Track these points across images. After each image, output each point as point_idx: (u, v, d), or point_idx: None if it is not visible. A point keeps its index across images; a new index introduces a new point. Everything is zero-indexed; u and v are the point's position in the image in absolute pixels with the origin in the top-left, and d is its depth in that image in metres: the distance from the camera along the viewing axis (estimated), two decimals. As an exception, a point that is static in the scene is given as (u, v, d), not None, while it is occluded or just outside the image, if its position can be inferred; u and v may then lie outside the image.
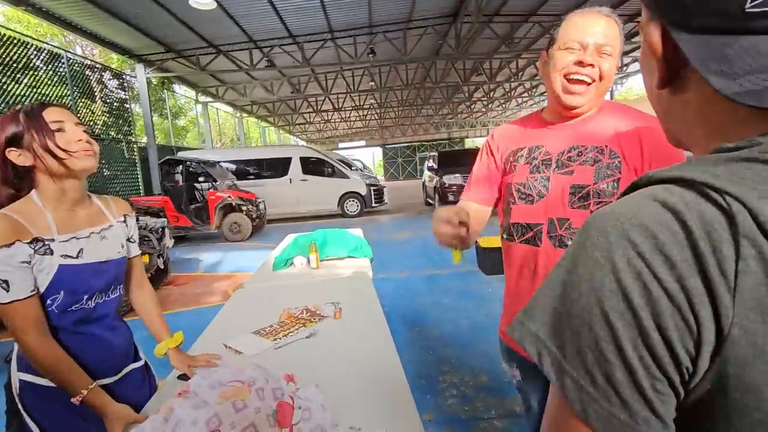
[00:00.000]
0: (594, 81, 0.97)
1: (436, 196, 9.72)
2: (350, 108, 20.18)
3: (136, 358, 1.23)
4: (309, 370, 1.19)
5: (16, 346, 1.01)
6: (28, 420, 1.00)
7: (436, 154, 11.18)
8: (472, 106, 22.80)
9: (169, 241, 4.89)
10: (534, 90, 17.94)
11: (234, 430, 0.86)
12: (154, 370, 1.31)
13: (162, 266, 4.81)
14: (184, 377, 1.19)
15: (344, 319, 1.59)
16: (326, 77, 14.20)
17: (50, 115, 0.98)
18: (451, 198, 9.11)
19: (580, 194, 0.99)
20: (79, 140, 1.00)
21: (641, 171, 0.96)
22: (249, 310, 1.80)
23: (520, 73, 14.51)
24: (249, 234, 8.47)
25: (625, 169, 0.97)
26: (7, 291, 0.91)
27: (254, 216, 8.54)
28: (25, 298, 0.93)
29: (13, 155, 0.95)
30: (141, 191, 9.95)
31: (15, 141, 0.96)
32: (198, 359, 1.26)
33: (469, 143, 30.44)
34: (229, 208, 8.44)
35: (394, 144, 31.46)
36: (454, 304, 3.82)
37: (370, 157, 35.61)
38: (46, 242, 0.95)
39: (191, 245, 8.35)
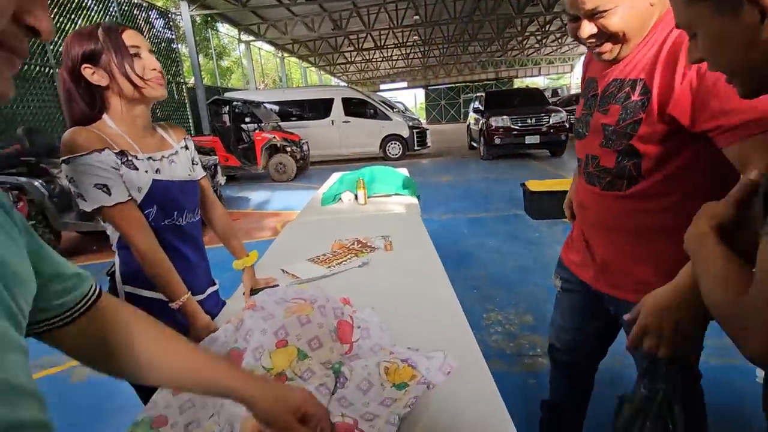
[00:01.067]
0: (608, 41, 0.91)
1: (481, 140, 9.35)
2: (393, 46, 19.24)
3: (214, 282, 1.31)
4: (363, 298, 1.22)
5: (117, 260, 1.08)
6: None
7: (483, 94, 10.59)
8: (524, 42, 21.07)
9: (221, 179, 5.08)
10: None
11: (300, 341, 0.91)
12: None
13: (215, 203, 5.05)
14: (255, 292, 1.26)
15: (395, 252, 1.61)
16: (368, 11, 13.48)
17: (129, 38, 0.97)
18: (497, 141, 8.73)
19: (607, 133, 0.97)
20: (154, 69, 1.00)
21: (670, 109, 0.83)
22: (301, 240, 1.86)
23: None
24: (294, 175, 8.65)
25: (651, 109, 0.87)
26: (109, 195, 0.95)
27: (298, 157, 8.66)
28: (126, 201, 0.97)
29: (88, 72, 0.95)
30: (192, 132, 10.29)
31: (92, 58, 0.95)
32: (259, 281, 1.34)
33: (518, 83, 28.51)
34: (274, 149, 8.58)
35: (438, 85, 30.04)
36: (498, 246, 3.78)
37: (411, 99, 34.48)
38: (130, 157, 0.99)
39: (240, 185, 8.68)
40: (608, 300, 1.09)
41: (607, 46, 0.92)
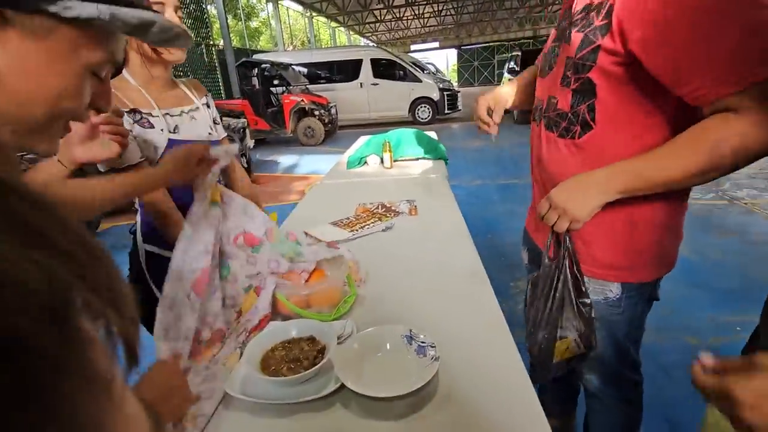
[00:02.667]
0: None
1: (517, 102, 8.92)
2: (424, 2, 18.34)
3: None
4: (385, 263, 1.20)
5: (139, 219, 1.10)
6: (152, 285, 1.11)
7: (518, 53, 10.00)
8: (568, -4, 19.53)
9: (250, 142, 5.11)
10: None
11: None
12: None
13: (245, 165, 5.12)
14: None
15: (420, 217, 1.57)
16: (400, -35, 12.78)
17: None
18: (533, 104, 8.30)
19: (567, 67, 0.85)
20: None
21: (628, 34, 0.72)
22: (325, 204, 1.84)
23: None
24: (322, 139, 8.62)
25: (611, 31, 0.74)
26: (120, 157, 0.93)
27: (326, 121, 8.58)
28: (137, 164, 0.97)
29: None
30: (222, 95, 10.33)
31: None
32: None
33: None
34: (302, 113, 8.53)
35: (471, 45, 28.64)
36: (529, 214, 3.66)
37: (443, 60, 33.17)
38: (145, 115, 0.98)
39: (269, 148, 8.74)
40: None
41: None
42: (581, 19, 0.82)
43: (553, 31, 0.99)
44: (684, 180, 0.74)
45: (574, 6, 0.87)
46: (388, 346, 0.79)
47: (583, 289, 0.89)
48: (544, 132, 0.96)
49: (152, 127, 0.98)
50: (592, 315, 0.90)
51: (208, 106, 1.17)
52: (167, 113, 1.02)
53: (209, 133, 1.13)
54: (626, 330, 0.99)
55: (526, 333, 1.00)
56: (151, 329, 0.75)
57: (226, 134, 1.24)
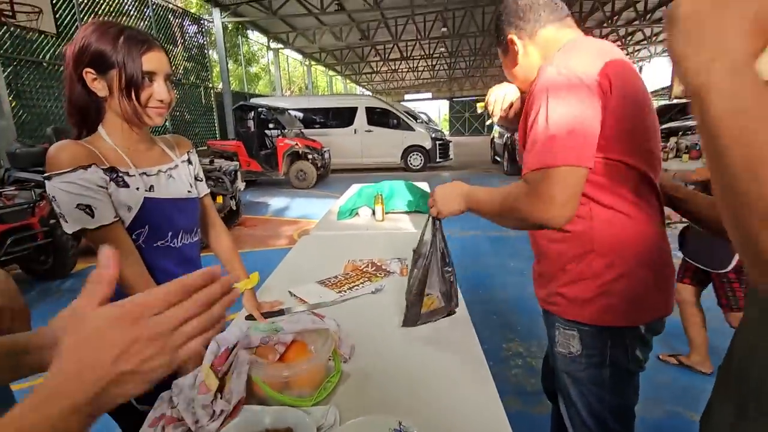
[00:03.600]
0: None
1: (505, 154, 9.15)
2: (419, 57, 19.29)
3: None
4: (375, 333, 1.11)
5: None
6: None
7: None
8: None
9: (241, 184, 5.08)
10: (629, 38, 15.83)
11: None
12: None
13: (234, 207, 5.05)
14: (251, 318, 1.18)
15: (412, 277, 1.49)
16: (396, 22, 13.54)
17: (149, 62, 0.88)
18: (522, 156, 8.52)
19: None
20: (161, 99, 0.92)
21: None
22: (313, 258, 1.77)
23: (614, 18, 12.78)
24: (314, 182, 8.65)
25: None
26: (92, 216, 0.86)
27: (319, 165, 8.66)
28: (111, 224, 0.89)
29: (89, 78, 0.87)
30: (217, 135, 10.44)
31: (100, 64, 0.86)
32: (263, 305, 1.24)
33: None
34: (296, 156, 8.61)
35: (463, 97, 29.90)
36: (521, 267, 3.61)
37: (435, 110, 34.42)
38: (121, 174, 0.91)
39: (260, 190, 8.72)
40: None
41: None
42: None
43: None
44: (493, 217, 0.97)
45: None
46: (374, 444, 0.70)
47: (447, 260, 1.12)
48: None
49: (127, 186, 0.92)
50: (452, 280, 1.14)
51: (190, 163, 1.12)
52: (144, 172, 0.96)
53: (188, 191, 1.07)
54: (598, 394, 0.95)
55: (405, 291, 1.15)
56: None
57: (208, 191, 1.18)
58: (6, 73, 5.32)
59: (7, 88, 5.29)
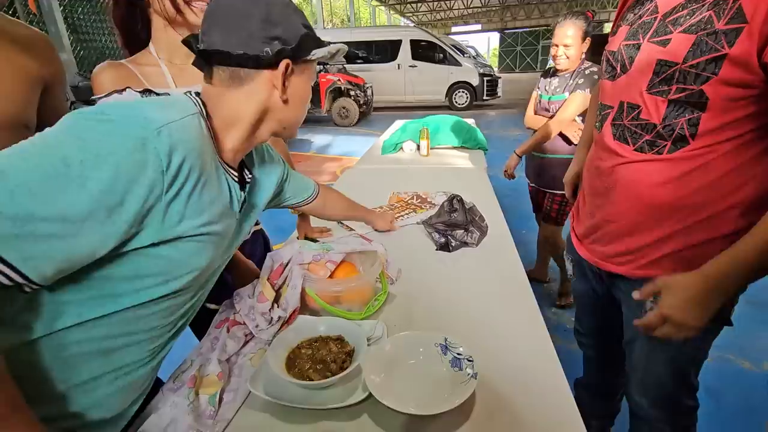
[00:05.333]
0: None
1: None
2: (470, -18, 17.64)
3: (257, 222, 1.29)
4: (420, 261, 1.13)
5: None
6: None
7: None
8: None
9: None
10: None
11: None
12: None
13: (278, 144, 5.12)
14: (309, 239, 1.24)
15: (457, 210, 1.49)
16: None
17: None
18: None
19: (664, 75, 0.72)
20: None
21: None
22: (359, 189, 1.78)
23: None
24: (356, 120, 8.54)
25: (745, 39, 0.62)
26: None
27: (361, 102, 8.49)
28: None
29: None
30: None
31: None
32: (314, 230, 1.29)
33: (608, 28, 25.24)
34: (338, 92, 8.46)
35: (515, 29, 27.45)
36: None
37: (484, 43, 32.08)
38: (162, 93, 0.93)
39: (303, 127, 8.70)
40: (611, 279, 0.95)
41: None
42: (686, 16, 0.70)
43: (623, 27, 0.85)
44: None
45: None
46: (421, 354, 0.74)
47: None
48: (612, 142, 0.85)
49: None
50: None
51: None
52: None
53: None
54: (693, 354, 0.90)
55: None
56: None
57: None
58: (62, 8, 5.43)
59: (64, 22, 5.43)
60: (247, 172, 0.72)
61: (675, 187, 0.77)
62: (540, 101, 2.00)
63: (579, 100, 1.80)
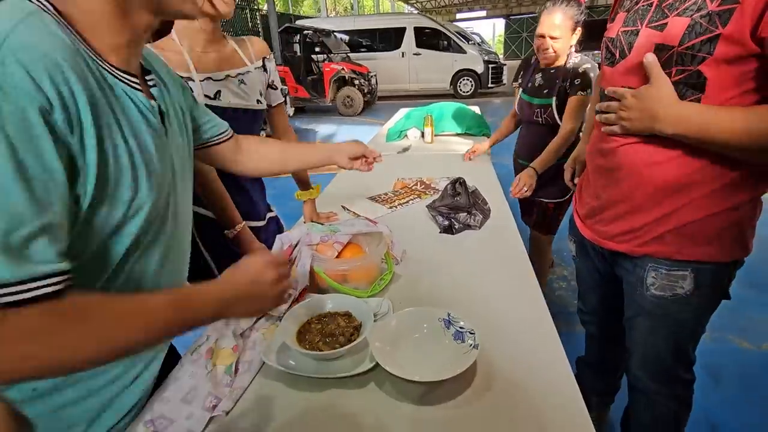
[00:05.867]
0: None
1: (566, 78, 8.41)
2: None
3: (271, 209, 1.32)
4: (424, 243, 1.17)
5: None
6: (198, 241, 1.09)
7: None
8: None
9: (289, 110, 5.12)
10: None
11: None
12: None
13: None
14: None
15: (460, 195, 1.51)
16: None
17: None
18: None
19: (663, 58, 0.74)
20: None
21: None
22: (363, 176, 1.80)
23: None
24: (360, 109, 8.52)
25: (738, 17, 0.65)
26: None
27: (366, 91, 8.46)
28: None
29: None
30: (263, 61, 10.33)
31: None
32: (320, 215, 1.33)
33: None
34: (342, 81, 8.44)
35: (521, 15, 27.02)
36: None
37: (489, 30, 31.66)
38: (183, 78, 0.96)
39: (308, 117, 8.75)
40: (613, 257, 0.99)
41: None
42: (681, 0, 0.73)
43: (621, 14, 0.87)
44: (734, 145, 0.71)
45: None
46: (425, 329, 0.77)
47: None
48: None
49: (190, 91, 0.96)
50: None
51: (265, 70, 1.11)
52: (209, 77, 0.99)
53: (257, 100, 1.08)
54: (692, 328, 0.94)
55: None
56: None
57: (282, 100, 1.18)
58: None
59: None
60: (153, 78, 0.61)
61: (678, 165, 0.79)
62: (520, 99, 1.78)
63: (581, 105, 1.58)
